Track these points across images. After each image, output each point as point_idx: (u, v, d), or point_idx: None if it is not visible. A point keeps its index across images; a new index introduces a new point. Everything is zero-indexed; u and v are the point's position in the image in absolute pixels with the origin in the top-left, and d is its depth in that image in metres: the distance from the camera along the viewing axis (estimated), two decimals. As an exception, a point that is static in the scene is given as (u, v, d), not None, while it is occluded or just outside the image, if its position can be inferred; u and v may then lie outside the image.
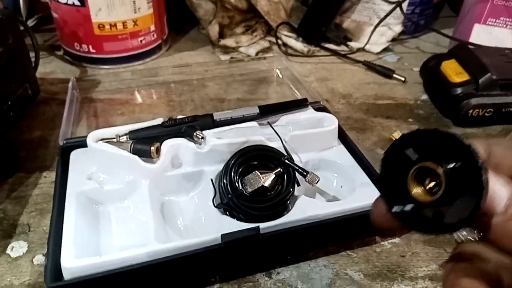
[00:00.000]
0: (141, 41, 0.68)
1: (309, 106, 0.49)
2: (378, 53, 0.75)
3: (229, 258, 0.36)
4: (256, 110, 0.46)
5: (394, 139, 0.38)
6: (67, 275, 0.32)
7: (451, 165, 0.19)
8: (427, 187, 0.20)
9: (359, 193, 0.40)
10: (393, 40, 0.79)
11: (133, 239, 0.37)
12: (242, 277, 0.38)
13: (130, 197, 0.41)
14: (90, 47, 0.65)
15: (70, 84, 0.55)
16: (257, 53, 0.72)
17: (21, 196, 0.45)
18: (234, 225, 0.36)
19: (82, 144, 0.43)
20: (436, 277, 0.38)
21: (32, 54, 0.59)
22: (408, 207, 0.21)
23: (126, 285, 0.34)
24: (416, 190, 0.20)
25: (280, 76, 0.65)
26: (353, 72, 0.70)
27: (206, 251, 0.34)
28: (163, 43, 0.73)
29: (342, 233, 0.40)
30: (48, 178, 0.47)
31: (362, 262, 0.40)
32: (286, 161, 0.40)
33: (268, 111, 0.46)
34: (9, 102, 0.52)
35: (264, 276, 0.38)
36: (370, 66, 0.70)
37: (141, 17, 0.65)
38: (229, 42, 0.73)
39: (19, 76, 0.54)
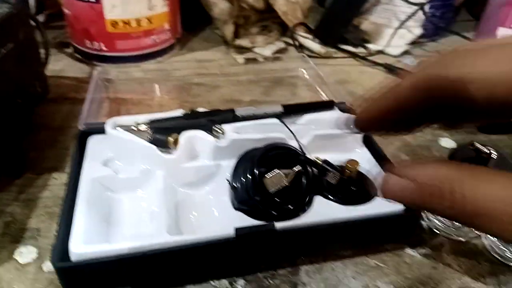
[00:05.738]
0: (154, 39, 0.66)
1: (335, 108, 0.46)
2: (396, 56, 0.73)
3: (242, 254, 0.35)
4: (279, 109, 0.44)
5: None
6: (74, 258, 0.31)
7: None
8: None
9: (379, 199, 0.38)
10: (412, 43, 0.76)
11: (145, 228, 0.36)
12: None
13: (144, 186, 0.39)
14: (102, 45, 0.63)
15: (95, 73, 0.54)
16: (272, 54, 0.69)
17: (30, 199, 0.43)
18: (249, 221, 0.35)
19: (101, 130, 0.42)
20: (472, 291, 0.36)
21: (41, 52, 0.57)
22: None
23: (133, 272, 0.33)
24: None
25: (302, 77, 0.63)
26: (372, 74, 0.68)
27: (219, 243, 0.33)
28: (176, 42, 0.71)
29: (358, 238, 0.38)
30: (59, 179, 0.45)
31: (392, 274, 0.37)
32: (305, 159, 0.38)
33: (292, 111, 0.44)
34: (19, 101, 0.49)
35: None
36: (391, 69, 0.67)
37: (156, 15, 0.63)
38: (244, 42, 0.71)
39: (29, 74, 0.52)
